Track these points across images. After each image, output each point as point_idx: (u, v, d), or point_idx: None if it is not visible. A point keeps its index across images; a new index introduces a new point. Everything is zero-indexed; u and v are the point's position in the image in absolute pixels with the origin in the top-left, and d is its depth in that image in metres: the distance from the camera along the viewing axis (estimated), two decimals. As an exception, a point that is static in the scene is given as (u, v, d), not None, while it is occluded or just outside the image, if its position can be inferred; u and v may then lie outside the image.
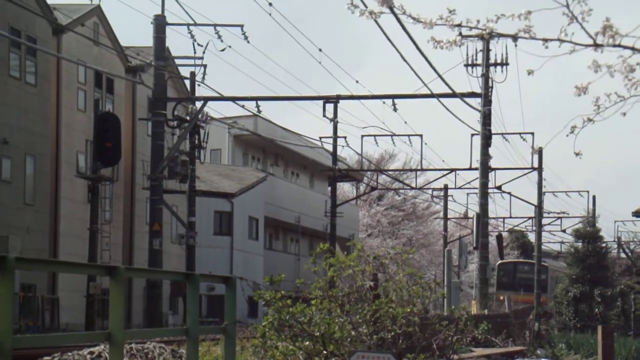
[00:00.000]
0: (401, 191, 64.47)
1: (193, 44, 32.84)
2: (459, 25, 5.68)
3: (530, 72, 5.91)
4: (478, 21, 5.63)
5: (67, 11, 37.83)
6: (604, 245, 55.78)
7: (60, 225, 37.51)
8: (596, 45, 5.77)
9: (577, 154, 6.10)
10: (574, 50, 5.75)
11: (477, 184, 34.05)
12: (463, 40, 5.91)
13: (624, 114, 6.01)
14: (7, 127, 33.85)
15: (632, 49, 5.89)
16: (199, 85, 35.14)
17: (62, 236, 37.52)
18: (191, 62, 34.68)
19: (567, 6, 5.63)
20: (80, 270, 10.40)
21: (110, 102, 40.64)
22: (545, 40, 5.64)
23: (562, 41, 5.68)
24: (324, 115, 37.38)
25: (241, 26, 32.06)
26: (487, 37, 5.58)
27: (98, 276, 29.33)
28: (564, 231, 60.38)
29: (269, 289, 13.70)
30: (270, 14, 21.53)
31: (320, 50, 27.80)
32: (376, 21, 15.86)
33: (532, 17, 5.61)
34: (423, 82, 25.77)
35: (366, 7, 5.99)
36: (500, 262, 54.45)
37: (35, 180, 35.51)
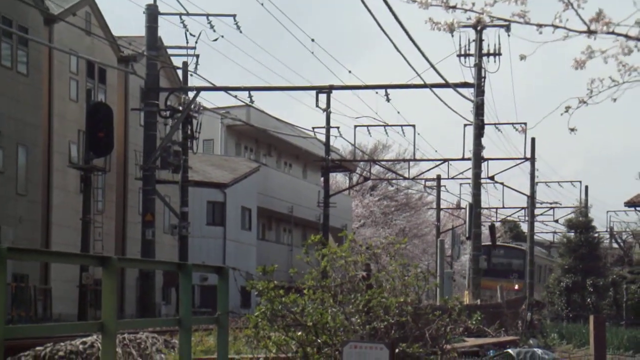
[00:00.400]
0: (394, 181, 64.49)
1: (185, 33, 32.76)
2: (454, 7, 5.66)
3: (522, 57, 5.89)
4: (473, 4, 5.61)
5: (58, 1, 37.69)
6: (596, 235, 55.87)
7: (53, 216, 37.43)
8: (590, 32, 5.75)
9: (572, 130, 6.08)
10: (567, 37, 5.73)
11: (469, 174, 34.06)
12: (460, 25, 5.89)
13: (615, 99, 5.99)
14: (-1, 117, 33.77)
15: (626, 36, 5.87)
16: (191, 75, 35.08)
17: (54, 226, 37.44)
18: (184, 52, 34.60)
19: (563, -7, 5.60)
20: (72, 261, 10.41)
21: (102, 92, 40.53)
22: (540, 25, 5.62)
23: (556, 27, 5.65)
24: (317, 106, 37.35)
25: (234, 16, 31.98)
26: (482, 22, 5.55)
27: (91, 266, 29.30)
28: (556, 221, 60.49)
29: (262, 279, 13.68)
30: (262, 4, 21.49)
31: (313, 40, 27.80)
32: (368, 8, 15.79)
33: (527, 3, 5.58)
34: (416, 72, 25.77)
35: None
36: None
37: (28, 171, 35.41)
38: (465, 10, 5.64)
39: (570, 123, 6.09)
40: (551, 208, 59.75)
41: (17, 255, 8.25)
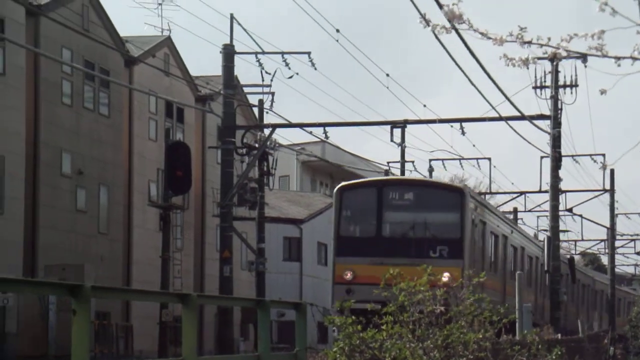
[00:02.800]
0: (471, 215, 63.91)
1: (261, 72, 33.16)
2: (530, 43, 5.66)
3: (602, 92, 5.87)
4: (549, 39, 5.61)
5: (138, 43, 38.54)
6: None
7: (133, 254, 38.01)
8: (669, 64, 5.70)
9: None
10: (646, 68, 5.69)
11: (547, 206, 33.65)
12: (535, 59, 5.89)
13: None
14: (82, 158, 34.52)
15: None
16: (267, 112, 35.44)
17: (135, 264, 38.00)
18: (259, 89, 35.00)
19: (641, 24, 5.58)
20: (153, 298, 10.54)
21: (180, 131, 41.19)
22: (618, 58, 5.59)
23: (635, 59, 5.62)
24: (392, 140, 37.37)
25: (308, 53, 32.29)
26: (558, 56, 5.55)
27: (171, 303, 29.63)
28: (638, 253, 59.26)
29: (339, 315, 13.69)
30: (337, 40, 21.66)
31: (387, 75, 27.90)
32: (442, 43, 15.84)
33: (604, 36, 5.57)
34: (491, 105, 25.63)
35: (427, 23, 6.00)
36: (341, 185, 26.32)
37: (109, 210, 36.09)
38: (541, 45, 5.65)
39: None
40: (632, 240, 58.60)
41: (101, 294, 8.44)
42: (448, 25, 5.83)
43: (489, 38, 5.60)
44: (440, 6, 5.47)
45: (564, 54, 5.87)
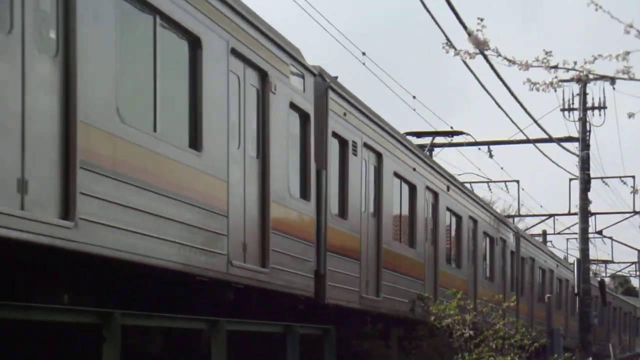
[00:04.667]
0: (499, 238, 63.54)
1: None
2: (556, 67, 5.65)
3: (631, 115, 5.84)
4: (575, 62, 5.60)
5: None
6: None
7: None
8: (697, 87, 5.67)
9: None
10: (675, 91, 5.65)
11: (576, 229, 33.39)
12: (560, 83, 5.88)
13: None
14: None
15: None
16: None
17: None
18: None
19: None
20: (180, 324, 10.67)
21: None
22: (644, 81, 5.56)
23: (662, 82, 5.59)
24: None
25: (335, 78, 32.30)
26: (584, 79, 5.53)
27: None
28: (669, 276, 58.61)
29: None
30: (364, 63, 21.70)
31: (414, 97, 27.86)
32: (468, 66, 15.84)
33: (630, 58, 5.55)
34: (518, 128, 25.51)
35: (454, 48, 6.00)
36: None
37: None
38: (568, 70, 5.63)
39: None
40: (663, 262, 57.97)
41: (132, 320, 8.46)
42: (472, 50, 5.83)
43: (515, 64, 5.60)
44: (469, 33, 5.47)
45: (590, 76, 5.84)
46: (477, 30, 5.46)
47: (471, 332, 13.54)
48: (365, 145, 15.02)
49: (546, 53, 5.62)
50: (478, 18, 5.45)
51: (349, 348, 13.45)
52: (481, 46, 5.52)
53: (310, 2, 28.49)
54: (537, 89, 5.72)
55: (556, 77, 5.89)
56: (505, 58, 5.63)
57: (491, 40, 5.69)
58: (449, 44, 5.85)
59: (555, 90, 5.62)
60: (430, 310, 13.58)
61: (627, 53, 5.57)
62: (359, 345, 13.55)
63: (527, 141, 28.85)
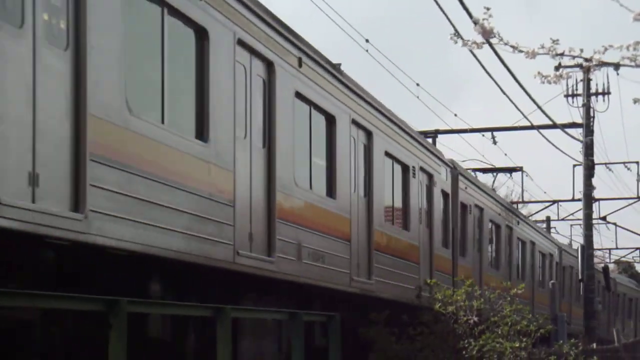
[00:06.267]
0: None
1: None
2: (562, 55, 5.66)
3: (636, 101, 5.84)
4: (581, 50, 5.60)
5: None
6: None
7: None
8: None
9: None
10: (680, 78, 5.67)
11: (580, 215, 33.40)
12: (567, 72, 5.88)
13: None
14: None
15: None
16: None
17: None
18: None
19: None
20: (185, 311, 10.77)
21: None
22: (650, 68, 5.56)
23: (669, 69, 5.59)
24: (423, 150, 37.20)
25: (339, 65, 32.25)
26: (592, 67, 5.54)
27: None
28: (673, 261, 58.60)
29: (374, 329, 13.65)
30: (367, 50, 21.66)
31: (417, 85, 27.78)
32: (475, 55, 15.84)
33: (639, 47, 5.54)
34: (522, 114, 25.52)
35: (463, 39, 6.02)
36: None
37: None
38: (574, 57, 5.64)
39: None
40: (668, 248, 57.99)
41: (137, 307, 8.49)
42: (479, 40, 5.84)
43: (521, 51, 5.60)
44: (475, 22, 5.48)
45: (595, 64, 5.85)
46: (484, 19, 5.47)
47: (476, 319, 13.56)
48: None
49: (553, 41, 5.62)
50: (485, 7, 5.46)
51: (354, 334, 13.50)
52: (487, 35, 5.53)
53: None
54: (549, 82, 5.73)
55: (560, 63, 5.89)
56: (511, 45, 5.63)
57: (496, 28, 5.69)
58: (457, 34, 5.87)
59: (567, 80, 5.61)
60: (435, 296, 13.60)
61: (638, 43, 5.57)
62: (364, 331, 13.58)
63: (531, 127, 28.84)
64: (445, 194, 19.78)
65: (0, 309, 7.36)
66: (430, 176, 18.59)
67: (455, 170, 20.72)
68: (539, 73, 5.68)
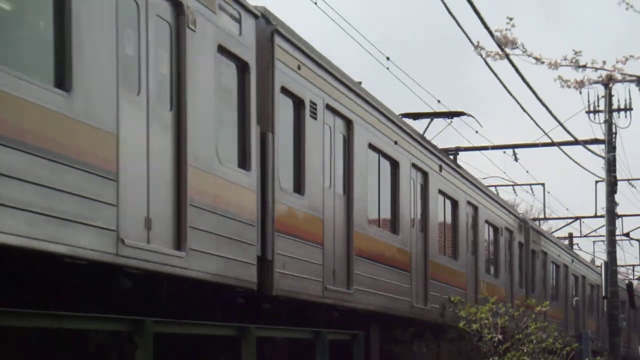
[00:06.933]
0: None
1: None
2: (584, 67, 5.67)
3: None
4: (604, 62, 5.60)
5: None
6: None
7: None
8: None
9: None
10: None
11: (603, 231, 33.21)
12: (590, 81, 5.89)
13: None
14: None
15: None
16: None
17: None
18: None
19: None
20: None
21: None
22: (673, 81, 5.53)
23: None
24: (444, 168, 37.10)
25: (359, 83, 32.29)
26: (614, 79, 5.53)
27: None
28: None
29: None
30: (387, 68, 21.71)
31: (439, 101, 27.79)
32: (492, 70, 15.82)
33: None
34: (543, 131, 25.46)
35: (478, 49, 6.00)
36: None
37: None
38: (596, 69, 5.63)
39: None
40: (692, 264, 57.50)
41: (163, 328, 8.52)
42: (500, 51, 5.86)
43: (543, 63, 5.62)
44: (492, 34, 5.50)
45: (619, 77, 5.84)
46: (506, 29, 5.51)
47: (500, 337, 13.50)
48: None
49: (575, 53, 5.63)
50: (507, 17, 5.52)
51: (380, 352, 13.46)
52: (509, 45, 5.57)
53: (336, 9, 28.56)
54: (568, 86, 5.75)
55: (584, 76, 5.88)
56: (534, 57, 5.65)
57: (518, 39, 5.73)
58: (480, 46, 5.92)
59: (584, 89, 5.64)
60: (460, 314, 13.53)
61: (658, 54, 5.56)
62: (390, 349, 13.54)
63: (552, 144, 28.75)
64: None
65: (28, 330, 7.42)
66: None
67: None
68: (559, 77, 5.72)
